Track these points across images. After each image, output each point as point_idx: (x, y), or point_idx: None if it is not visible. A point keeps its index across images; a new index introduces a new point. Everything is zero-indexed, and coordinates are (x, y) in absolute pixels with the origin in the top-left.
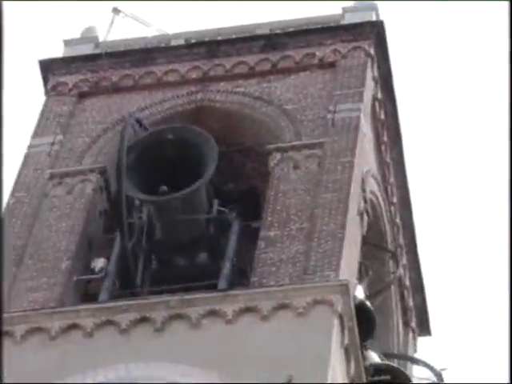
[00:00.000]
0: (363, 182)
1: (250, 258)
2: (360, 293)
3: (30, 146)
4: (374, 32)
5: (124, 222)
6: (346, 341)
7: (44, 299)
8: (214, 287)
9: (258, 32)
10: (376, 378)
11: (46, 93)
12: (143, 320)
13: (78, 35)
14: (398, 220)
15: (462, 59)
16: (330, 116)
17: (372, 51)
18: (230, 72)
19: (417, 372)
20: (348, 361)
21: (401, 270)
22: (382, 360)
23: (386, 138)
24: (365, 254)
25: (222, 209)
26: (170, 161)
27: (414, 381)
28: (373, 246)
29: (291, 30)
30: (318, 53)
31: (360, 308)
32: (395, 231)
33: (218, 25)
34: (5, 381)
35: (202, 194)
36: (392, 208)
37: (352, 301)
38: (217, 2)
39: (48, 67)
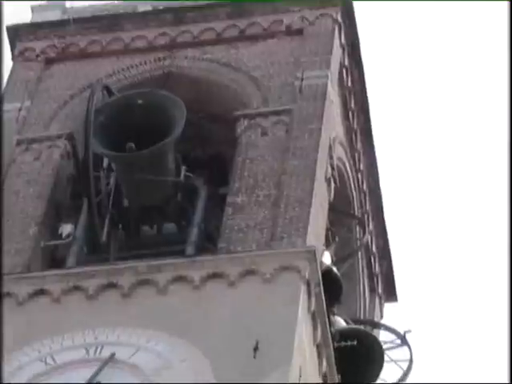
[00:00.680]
0: (330, 148)
1: (217, 224)
2: (327, 259)
3: None
4: None
5: (91, 187)
6: (313, 307)
7: (11, 265)
8: (181, 253)
9: None
10: (343, 343)
11: (14, 59)
12: (110, 286)
13: (45, 1)
14: (364, 187)
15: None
16: (297, 83)
17: (339, 18)
18: (198, 38)
19: (382, 337)
20: (315, 326)
21: (367, 237)
22: (348, 325)
23: (353, 105)
24: (332, 220)
25: (190, 175)
26: (139, 125)
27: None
28: (340, 212)
29: None
30: (285, 20)
31: (327, 274)
32: (362, 198)
33: None
34: None
35: (169, 155)
36: (359, 175)
37: (319, 267)
38: None
39: (15, 33)
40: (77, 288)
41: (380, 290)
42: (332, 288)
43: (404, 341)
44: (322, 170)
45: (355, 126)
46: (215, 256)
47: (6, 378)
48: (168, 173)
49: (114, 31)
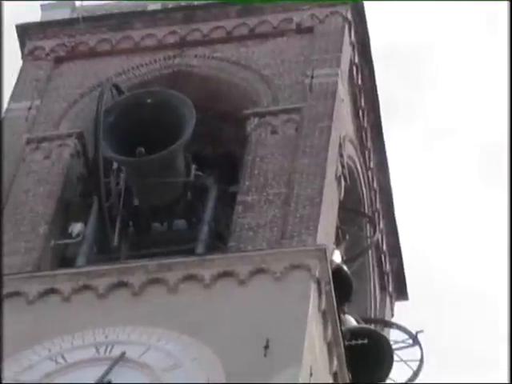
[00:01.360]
0: (341, 146)
1: (227, 223)
2: (337, 257)
3: (7, 111)
4: None
5: (101, 186)
6: (323, 305)
7: (21, 263)
8: (191, 252)
9: None
10: (353, 342)
11: (23, 57)
12: (121, 284)
13: (54, 0)
14: (375, 185)
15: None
16: (307, 81)
17: (349, 16)
18: (208, 37)
19: (393, 336)
20: (325, 325)
21: (378, 235)
22: (359, 324)
23: (363, 103)
24: (342, 218)
25: (200, 173)
26: (148, 124)
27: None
28: (350, 210)
29: None
30: (295, 18)
31: (337, 272)
32: (372, 196)
33: None
34: None
35: (179, 157)
36: (369, 173)
37: (329, 265)
38: None
39: (25, 32)
40: (87, 287)
41: (390, 289)
42: (342, 286)
43: (416, 341)
44: (332, 168)
45: (365, 124)
46: (225, 255)
47: (16, 377)
48: (178, 174)
49: (124, 30)
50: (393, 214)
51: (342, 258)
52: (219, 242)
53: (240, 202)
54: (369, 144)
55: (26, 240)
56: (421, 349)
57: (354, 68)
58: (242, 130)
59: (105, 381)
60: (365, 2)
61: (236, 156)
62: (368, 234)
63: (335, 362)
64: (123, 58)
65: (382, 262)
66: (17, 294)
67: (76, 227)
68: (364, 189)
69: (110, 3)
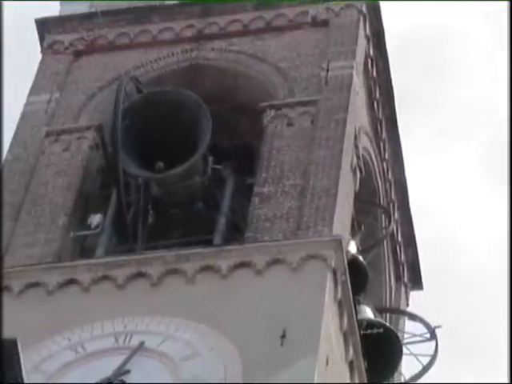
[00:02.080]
0: (356, 138)
1: (244, 214)
2: (353, 248)
3: (27, 104)
4: None
5: (120, 179)
6: (339, 295)
7: (41, 254)
8: (209, 243)
9: None
10: (369, 331)
11: (43, 51)
12: (139, 275)
13: None
14: (390, 176)
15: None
16: (323, 74)
17: (364, 9)
18: (224, 30)
19: (408, 327)
20: (341, 314)
21: (393, 225)
22: (374, 314)
23: (378, 95)
24: (357, 209)
25: (217, 166)
26: (164, 123)
27: (406, 336)
28: (365, 201)
29: None
30: (311, 11)
31: (353, 263)
32: (387, 187)
33: None
34: (4, 335)
35: (197, 162)
36: (384, 164)
37: (345, 256)
38: None
39: (44, 26)
40: (106, 277)
41: (405, 279)
42: (358, 276)
43: (433, 335)
44: (347, 159)
45: (380, 115)
46: (242, 245)
47: (36, 367)
48: (196, 173)
49: (142, 23)
50: (407, 205)
51: (358, 248)
52: (236, 232)
53: (257, 194)
54: (384, 135)
55: (46, 231)
56: (436, 344)
57: (369, 60)
58: (259, 123)
59: (124, 369)
60: None
61: (253, 148)
62: (383, 225)
63: (351, 351)
64: (141, 51)
65: (397, 252)
66: (37, 284)
67: (95, 219)
68: (379, 180)
69: None
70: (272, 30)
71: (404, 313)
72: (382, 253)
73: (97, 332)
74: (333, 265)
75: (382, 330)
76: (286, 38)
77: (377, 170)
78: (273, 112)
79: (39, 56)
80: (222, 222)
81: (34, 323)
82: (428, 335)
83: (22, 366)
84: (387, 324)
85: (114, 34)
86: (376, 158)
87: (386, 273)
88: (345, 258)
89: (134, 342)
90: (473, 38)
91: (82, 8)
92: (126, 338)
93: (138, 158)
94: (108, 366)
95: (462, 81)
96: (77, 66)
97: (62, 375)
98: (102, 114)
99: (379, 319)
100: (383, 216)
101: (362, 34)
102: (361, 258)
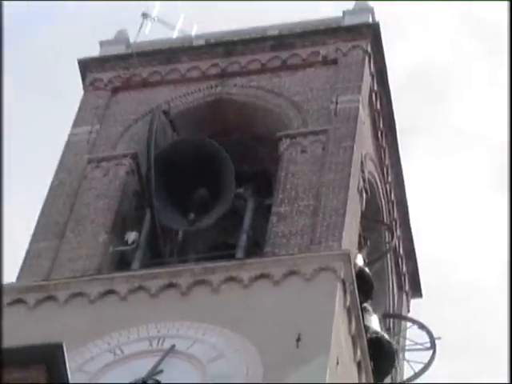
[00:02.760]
0: (362, 163)
1: (263, 231)
2: (360, 261)
3: (71, 135)
4: (371, 32)
5: (153, 200)
6: (348, 303)
7: (84, 268)
8: (232, 257)
9: (269, 33)
10: (374, 335)
11: (84, 88)
12: (170, 285)
13: (111, 37)
14: (392, 197)
15: (461, 59)
16: (332, 106)
17: (369, 49)
18: (245, 68)
19: (410, 334)
20: (349, 320)
21: (395, 241)
22: (379, 319)
23: (381, 125)
24: (364, 226)
25: (239, 190)
26: (192, 166)
27: (408, 342)
28: (371, 219)
29: (298, 31)
30: (321, 51)
31: (360, 274)
32: (390, 207)
33: (234, 27)
34: (49, 339)
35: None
36: (387, 186)
37: (353, 268)
38: (232, 7)
39: (86, 65)
40: (141, 288)
41: (407, 288)
42: (364, 286)
43: (433, 345)
44: (354, 182)
45: (384, 143)
46: (262, 259)
47: (80, 368)
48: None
49: (172, 63)
50: (408, 222)
51: (364, 261)
52: (256, 247)
53: (274, 213)
54: (387, 161)
55: (88, 247)
56: (433, 354)
57: (374, 95)
58: (276, 150)
59: (157, 370)
60: (385, 26)
61: (270, 173)
62: (386, 240)
63: (359, 353)
64: (171, 87)
65: (399, 264)
66: (80, 294)
67: (131, 236)
68: (383, 200)
69: (160, 40)
70: (287, 68)
71: (414, 321)
72: (386, 265)
73: (133, 336)
74: (342, 276)
75: (374, 336)
76: (299, 75)
77: (381, 191)
78: (288, 141)
79: (81, 92)
80: (243, 238)
81: (77, 329)
82: (428, 344)
83: (67, 367)
84: (381, 332)
85: (147, 72)
86: (380, 181)
87: (390, 282)
88: (353, 269)
89: (166, 345)
90: (469, 76)
91: (119, 49)
92: (158, 341)
93: (171, 206)
94: (143, 367)
95: (457, 109)
96: (115, 100)
97: (102, 375)
98: (137, 144)
99: (376, 328)
100: (387, 232)
101: (367, 71)
102: (367, 269)
